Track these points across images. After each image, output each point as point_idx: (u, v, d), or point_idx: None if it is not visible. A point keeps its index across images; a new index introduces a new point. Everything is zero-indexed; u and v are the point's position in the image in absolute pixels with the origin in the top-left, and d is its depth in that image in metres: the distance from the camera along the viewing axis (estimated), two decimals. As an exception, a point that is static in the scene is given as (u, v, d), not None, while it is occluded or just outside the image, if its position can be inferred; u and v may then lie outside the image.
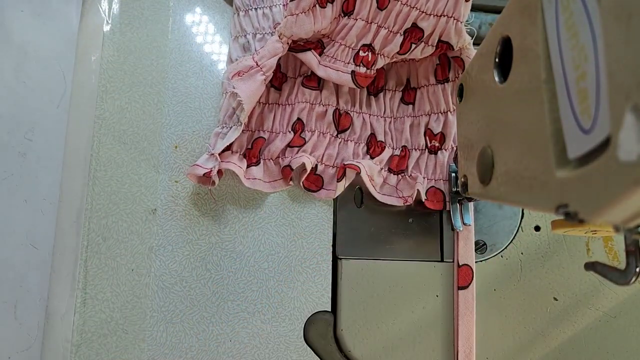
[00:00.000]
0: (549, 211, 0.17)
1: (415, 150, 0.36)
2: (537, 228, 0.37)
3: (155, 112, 0.36)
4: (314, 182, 0.35)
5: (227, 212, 0.35)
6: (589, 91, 0.15)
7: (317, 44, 0.35)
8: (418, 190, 0.34)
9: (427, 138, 0.36)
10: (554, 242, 0.36)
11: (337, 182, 0.35)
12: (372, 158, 0.36)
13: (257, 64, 0.33)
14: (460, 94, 0.30)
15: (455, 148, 0.36)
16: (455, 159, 0.35)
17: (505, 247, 0.36)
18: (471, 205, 0.35)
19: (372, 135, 0.37)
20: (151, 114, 0.36)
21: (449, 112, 0.36)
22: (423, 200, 0.35)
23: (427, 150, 0.36)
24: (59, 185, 0.34)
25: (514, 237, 0.36)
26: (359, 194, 0.37)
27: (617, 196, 0.13)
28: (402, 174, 0.36)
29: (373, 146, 0.36)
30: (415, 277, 0.35)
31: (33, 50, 0.36)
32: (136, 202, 0.34)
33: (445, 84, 0.36)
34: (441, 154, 0.36)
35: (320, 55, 0.35)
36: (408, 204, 0.35)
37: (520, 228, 0.37)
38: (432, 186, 0.36)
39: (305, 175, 0.35)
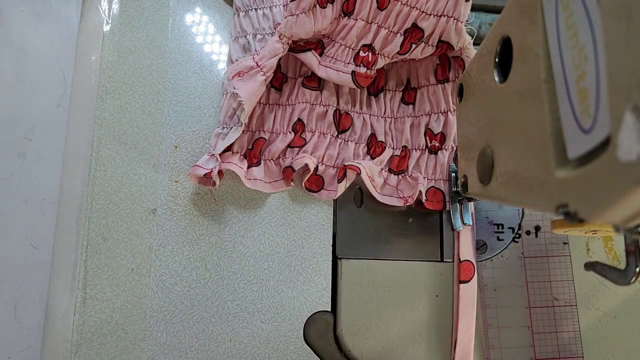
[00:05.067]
0: (549, 211, 0.17)
1: (416, 150, 0.36)
2: (537, 228, 0.37)
3: (155, 112, 0.36)
4: (314, 182, 0.35)
5: (227, 212, 0.35)
6: (589, 91, 0.15)
7: (317, 44, 0.35)
8: (420, 191, 0.34)
9: (428, 138, 0.36)
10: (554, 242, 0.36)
11: (338, 182, 0.35)
12: (372, 158, 0.36)
13: (257, 64, 0.33)
14: (460, 93, 0.30)
15: (455, 148, 0.36)
16: (455, 159, 0.35)
17: (505, 247, 0.36)
18: (471, 205, 0.35)
19: (373, 135, 0.37)
20: (151, 114, 0.36)
21: (449, 112, 0.36)
22: (423, 201, 0.35)
23: (427, 150, 0.36)
24: (59, 185, 0.34)
25: (514, 237, 0.36)
26: (359, 194, 0.37)
27: (617, 196, 0.13)
28: (403, 174, 0.36)
29: (373, 146, 0.36)
30: (415, 277, 0.35)
31: (33, 50, 0.36)
32: (136, 202, 0.34)
33: (446, 83, 0.36)
34: (441, 154, 0.36)
35: (320, 55, 0.35)
36: (408, 204, 0.35)
37: (520, 228, 0.37)
38: (432, 186, 0.36)
39: (308, 176, 0.35)
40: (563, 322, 0.35)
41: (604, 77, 0.14)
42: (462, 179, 0.29)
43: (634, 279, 0.20)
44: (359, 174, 0.34)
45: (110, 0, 0.37)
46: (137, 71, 0.36)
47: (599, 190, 0.14)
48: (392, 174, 0.36)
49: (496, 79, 0.23)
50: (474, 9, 0.39)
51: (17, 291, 0.33)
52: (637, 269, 0.19)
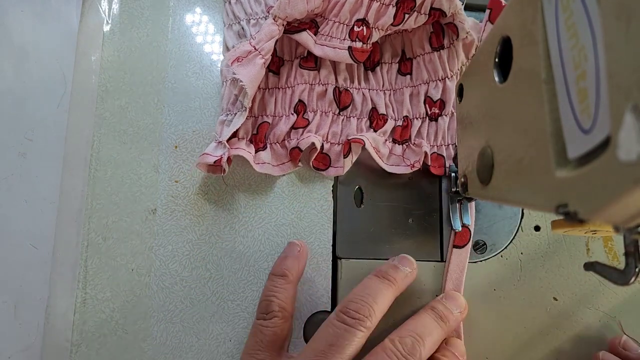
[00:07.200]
0: (549, 211, 0.17)
1: (417, 119, 0.37)
2: (537, 228, 0.37)
3: (155, 112, 0.36)
4: (321, 161, 0.36)
5: (227, 212, 0.35)
6: (589, 91, 0.15)
7: (311, 24, 0.35)
8: (425, 152, 0.35)
9: (427, 106, 0.37)
10: (554, 242, 0.36)
11: (344, 158, 0.35)
12: (375, 131, 0.36)
13: (255, 48, 0.33)
14: (460, 93, 0.30)
15: (454, 113, 0.36)
16: (455, 159, 0.35)
17: (505, 247, 0.36)
18: (472, 204, 0.35)
19: (374, 109, 0.37)
20: (151, 114, 0.36)
21: (446, 79, 0.36)
22: (429, 164, 0.35)
23: (427, 118, 0.37)
24: (59, 185, 0.34)
25: (513, 237, 0.36)
26: (359, 194, 0.37)
27: (617, 196, 0.13)
28: (407, 143, 0.37)
29: (375, 119, 0.37)
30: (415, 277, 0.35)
31: (33, 50, 0.36)
32: (136, 202, 0.34)
33: (441, 50, 0.36)
34: (442, 119, 0.36)
35: (315, 34, 0.35)
36: (415, 169, 0.35)
37: (520, 228, 0.37)
38: (434, 152, 0.36)
39: (315, 155, 0.35)
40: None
41: (604, 77, 0.14)
42: (462, 179, 0.29)
43: (633, 279, 0.20)
44: (364, 147, 0.34)
45: (110, 0, 0.37)
46: (137, 71, 0.36)
47: (599, 190, 0.14)
48: (397, 144, 0.37)
49: (496, 79, 0.23)
50: (474, 9, 0.39)
51: (17, 291, 0.33)
52: (637, 269, 0.19)
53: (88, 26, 0.37)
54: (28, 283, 0.33)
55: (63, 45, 0.36)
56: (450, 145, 0.36)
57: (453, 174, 0.35)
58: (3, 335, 0.32)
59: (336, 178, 0.37)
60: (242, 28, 0.36)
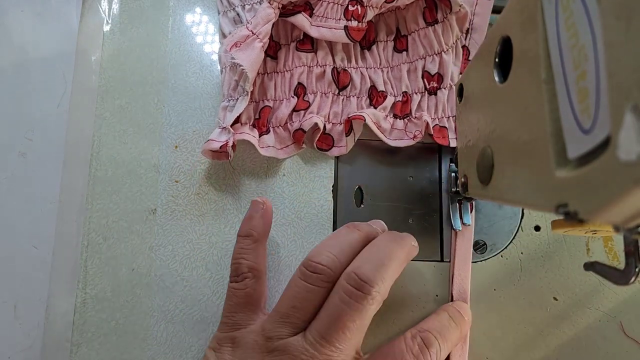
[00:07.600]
0: (549, 211, 0.17)
1: (416, 93, 0.37)
2: (537, 228, 0.37)
3: (156, 112, 0.36)
4: (324, 141, 0.36)
5: (227, 212, 0.35)
6: (589, 91, 0.15)
7: (306, 6, 0.35)
8: (427, 122, 0.35)
9: (425, 80, 0.37)
10: (554, 242, 0.36)
11: (346, 137, 0.35)
12: (375, 108, 0.37)
13: (252, 33, 0.33)
14: (460, 94, 0.30)
15: (452, 86, 0.36)
16: (455, 159, 0.35)
17: (505, 247, 0.36)
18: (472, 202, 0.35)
19: (373, 87, 0.37)
20: (151, 114, 0.36)
21: (443, 52, 0.36)
22: (431, 134, 0.36)
23: (426, 92, 0.37)
24: (59, 185, 0.34)
25: (513, 237, 0.36)
26: (359, 194, 0.37)
27: (617, 196, 0.13)
28: (408, 118, 0.37)
29: (375, 97, 0.37)
30: (415, 277, 0.35)
31: (33, 50, 0.36)
32: (136, 202, 0.34)
33: (435, 25, 0.37)
34: (440, 93, 0.37)
35: (310, 16, 0.35)
36: (417, 139, 0.36)
37: (520, 228, 0.37)
38: (436, 124, 0.36)
39: (318, 136, 0.35)
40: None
41: (604, 77, 0.14)
42: (462, 179, 0.29)
43: (633, 279, 0.20)
44: (364, 123, 0.35)
45: (110, 0, 0.37)
46: (137, 71, 0.36)
47: (598, 190, 0.14)
48: (398, 119, 0.37)
49: (496, 79, 0.23)
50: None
51: (17, 291, 0.33)
52: (637, 269, 0.19)
53: (88, 26, 0.37)
54: (28, 283, 0.33)
55: (63, 45, 0.36)
56: (451, 117, 0.37)
57: (453, 174, 0.35)
58: (3, 335, 0.32)
59: (336, 178, 0.37)
60: (238, 14, 0.37)
